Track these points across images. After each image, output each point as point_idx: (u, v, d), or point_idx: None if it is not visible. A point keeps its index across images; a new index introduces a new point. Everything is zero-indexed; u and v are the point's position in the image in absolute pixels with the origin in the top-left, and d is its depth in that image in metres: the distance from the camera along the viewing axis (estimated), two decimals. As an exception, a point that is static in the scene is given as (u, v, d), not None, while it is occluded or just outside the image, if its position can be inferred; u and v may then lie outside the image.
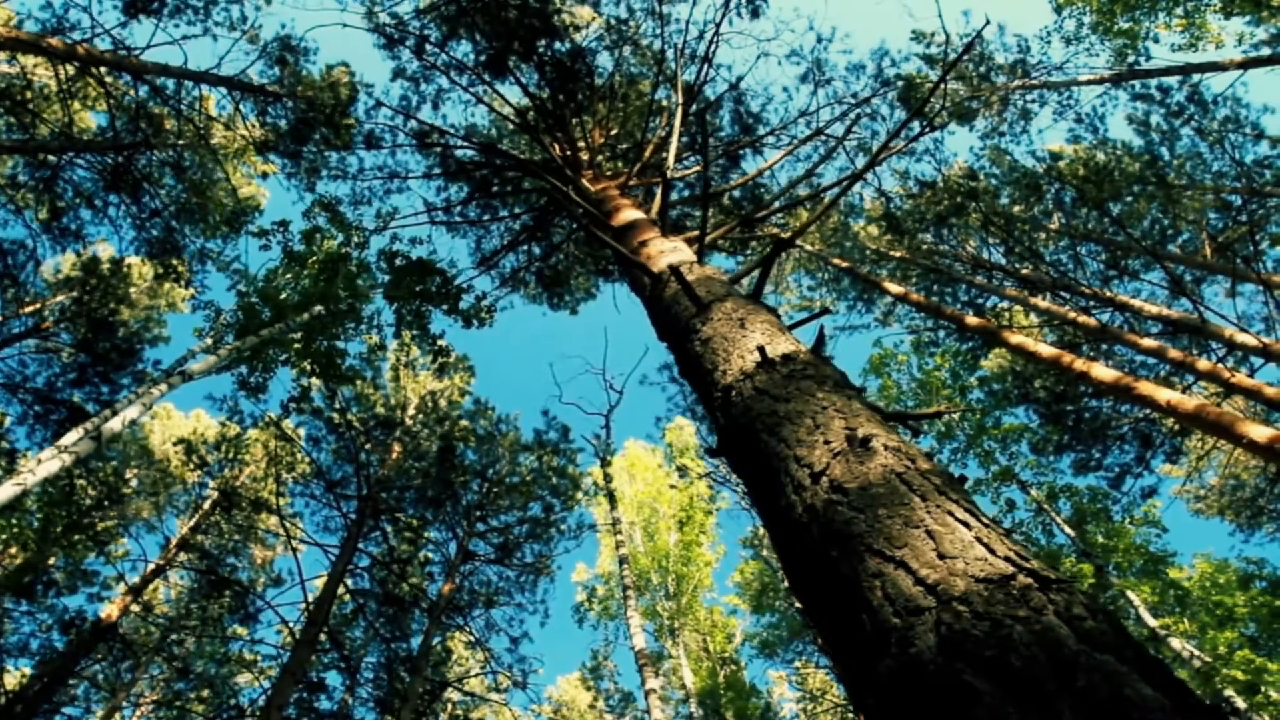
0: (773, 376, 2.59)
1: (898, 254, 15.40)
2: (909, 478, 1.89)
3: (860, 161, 15.13)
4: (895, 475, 1.91)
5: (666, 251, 4.71)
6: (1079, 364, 7.67)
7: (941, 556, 1.60)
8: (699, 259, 4.37)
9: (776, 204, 9.22)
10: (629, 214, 6.30)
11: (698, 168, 12.28)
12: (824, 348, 2.79)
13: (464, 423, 17.72)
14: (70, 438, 6.42)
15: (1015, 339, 9.11)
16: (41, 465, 5.42)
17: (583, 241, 13.67)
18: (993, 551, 1.59)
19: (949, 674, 1.37)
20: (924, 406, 17.05)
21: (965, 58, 14.20)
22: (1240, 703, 9.08)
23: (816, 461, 2.08)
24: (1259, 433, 5.24)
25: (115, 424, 6.34)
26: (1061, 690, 1.25)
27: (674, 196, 13.31)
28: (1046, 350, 8.37)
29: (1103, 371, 7.31)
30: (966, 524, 1.70)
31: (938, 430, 15.25)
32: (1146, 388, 6.55)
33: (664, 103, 12.93)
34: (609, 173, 10.03)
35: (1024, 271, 13.80)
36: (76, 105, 14.39)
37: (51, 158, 11.93)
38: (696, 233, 6.18)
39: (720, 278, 4.01)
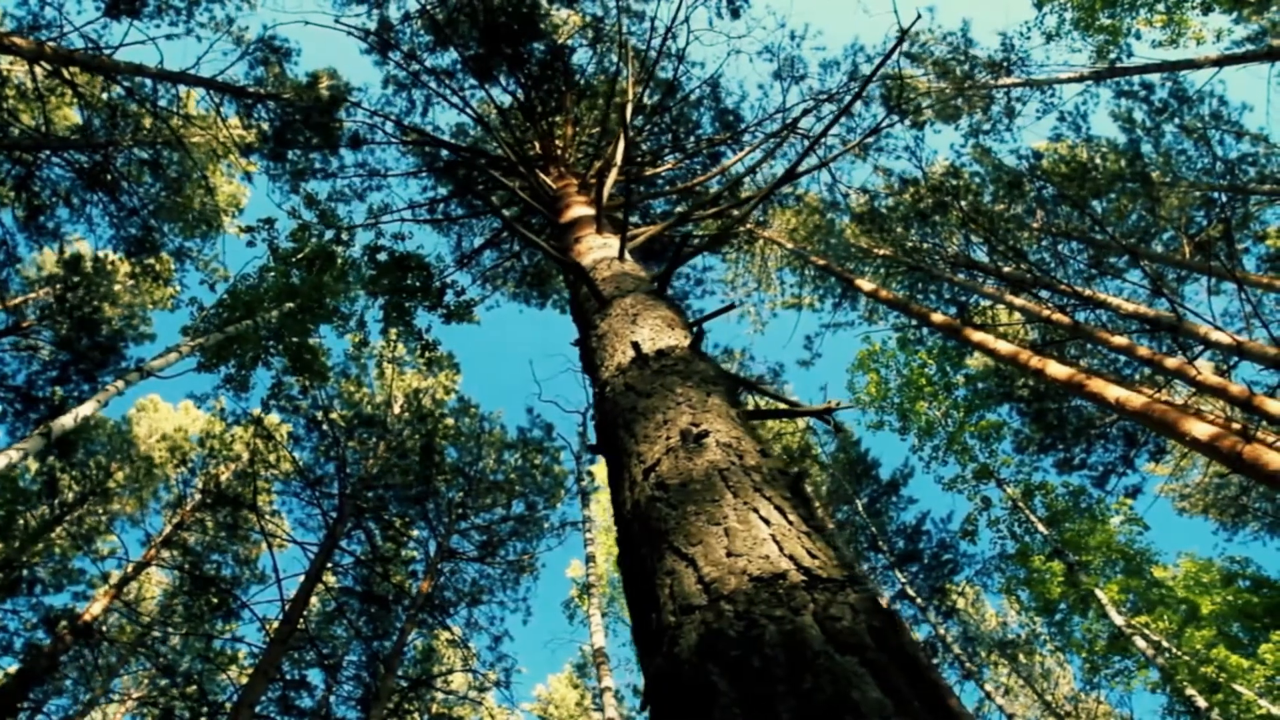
0: (643, 372, 2.56)
1: (881, 252, 15.34)
2: (730, 474, 1.86)
3: (845, 157, 15.09)
4: (718, 471, 1.87)
5: (595, 248, 4.69)
6: (1035, 361, 7.62)
7: (730, 554, 1.57)
8: (621, 255, 4.33)
9: (744, 197, 9.19)
10: (576, 211, 6.27)
11: (671, 164, 12.25)
12: (702, 343, 2.75)
13: (449, 421, 17.71)
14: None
15: (976, 336, 9.06)
16: (-16, 462, 5.43)
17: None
18: (781, 549, 1.56)
19: (700, 674, 1.34)
20: (912, 403, 16.99)
21: (909, 40, 14.14)
22: (1201, 701, 9.02)
23: (651, 457, 2.05)
24: (1201, 430, 5.18)
25: (67, 420, 6.34)
26: (789, 691, 1.22)
27: (652, 190, 13.30)
28: (1005, 347, 8.32)
29: (1056, 369, 7.26)
30: (767, 521, 1.66)
31: (918, 428, 15.19)
32: (1096, 385, 6.49)
33: (644, 101, 12.92)
34: (578, 169, 10.00)
35: (1006, 270, 13.74)
36: (55, 103, 14.40)
37: (26, 156, 11.93)
38: (641, 230, 6.14)
39: (637, 274, 3.98)
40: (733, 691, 1.26)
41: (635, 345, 2.68)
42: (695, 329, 2.81)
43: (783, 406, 3.72)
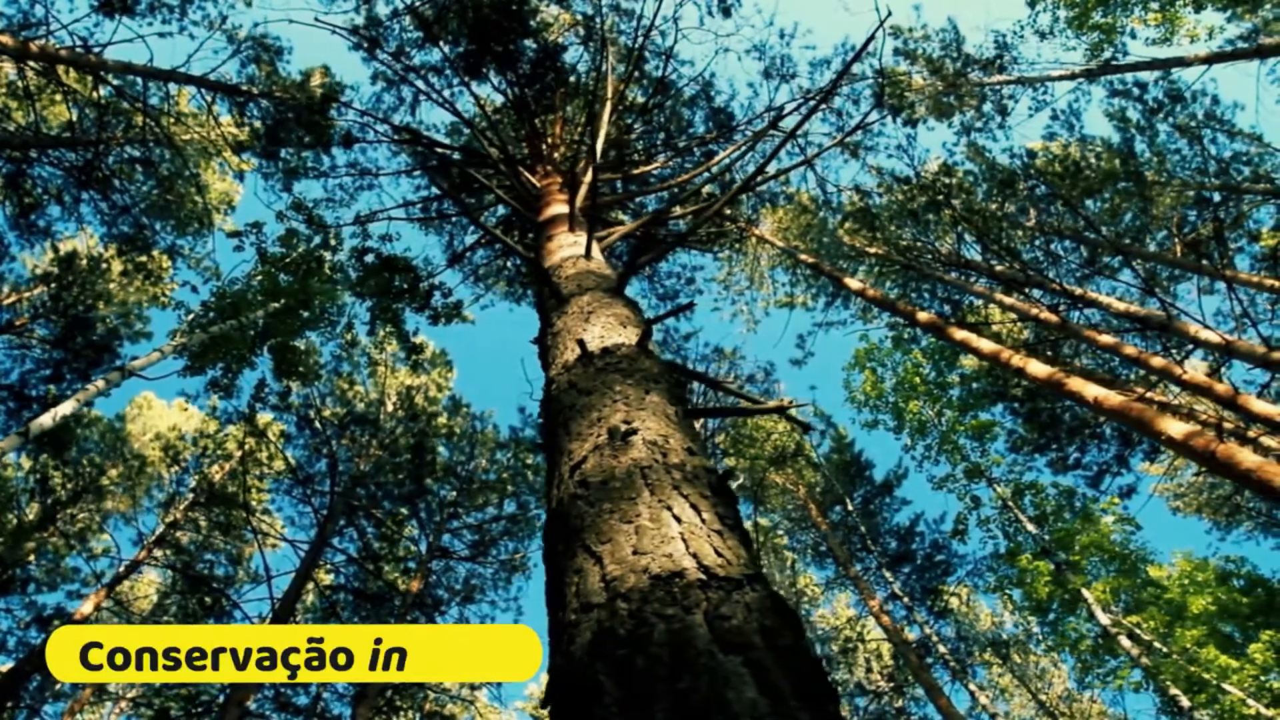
0: (587, 370, 2.55)
1: (874, 250, 15.30)
2: (651, 471, 1.84)
3: (837, 156, 15.06)
4: (639, 469, 1.86)
5: (565, 246, 4.68)
6: (1016, 359, 7.60)
7: (636, 552, 1.56)
8: (588, 253, 4.31)
9: (720, 194, 9.15)
10: (554, 209, 6.26)
11: (661, 161, 12.23)
12: (649, 341, 2.74)
13: (441, 419, 17.70)
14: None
15: (959, 334, 9.03)
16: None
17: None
18: (687, 547, 1.54)
19: (589, 673, 1.33)
20: (905, 402, 16.96)
21: (897, 35, 14.12)
22: (1185, 701, 8.99)
23: (579, 455, 2.04)
24: (1176, 429, 5.16)
25: (45, 420, 6.34)
26: (667, 691, 1.20)
27: (645, 188, 13.29)
28: (987, 346, 8.30)
29: (1037, 368, 7.24)
30: (679, 519, 1.65)
31: (911, 427, 15.16)
32: (1075, 384, 6.47)
33: (637, 100, 12.93)
34: (564, 167, 9.98)
35: (999, 269, 13.70)
36: (46, 101, 14.39)
37: (15, 153, 11.93)
38: (615, 228, 6.12)
39: (600, 272, 3.97)
40: (617, 691, 1.25)
41: (581, 343, 2.67)
42: (646, 327, 2.79)
43: (742, 404, 3.71)
